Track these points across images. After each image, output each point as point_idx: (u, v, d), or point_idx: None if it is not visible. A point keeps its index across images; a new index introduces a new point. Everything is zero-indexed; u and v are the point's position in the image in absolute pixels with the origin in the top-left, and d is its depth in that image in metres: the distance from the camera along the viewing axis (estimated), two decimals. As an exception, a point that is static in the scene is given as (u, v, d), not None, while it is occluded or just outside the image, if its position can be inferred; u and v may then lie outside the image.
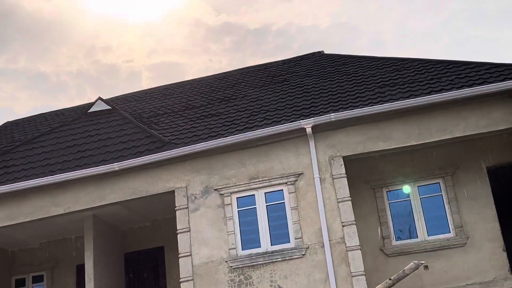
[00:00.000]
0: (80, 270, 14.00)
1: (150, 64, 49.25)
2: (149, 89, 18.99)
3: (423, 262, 5.73)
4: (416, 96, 12.24)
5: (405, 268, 5.79)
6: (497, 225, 12.28)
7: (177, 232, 12.44)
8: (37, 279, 14.72)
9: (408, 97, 12.29)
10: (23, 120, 19.08)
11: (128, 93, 19.06)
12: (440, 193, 12.82)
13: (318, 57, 17.95)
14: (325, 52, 18.43)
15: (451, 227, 12.54)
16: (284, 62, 18.47)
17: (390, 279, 5.88)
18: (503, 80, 11.82)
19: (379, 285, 6.04)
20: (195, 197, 12.62)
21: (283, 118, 13.13)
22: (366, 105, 12.54)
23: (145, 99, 17.70)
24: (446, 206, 12.67)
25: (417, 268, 5.85)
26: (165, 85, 18.73)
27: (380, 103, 12.43)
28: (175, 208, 12.60)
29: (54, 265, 14.80)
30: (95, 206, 13.02)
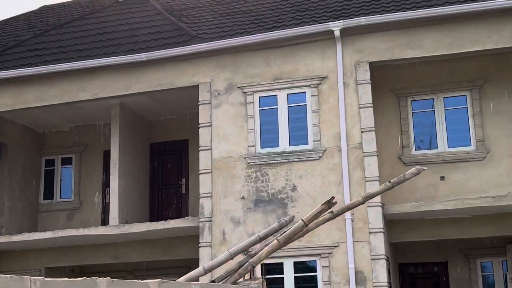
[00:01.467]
0: (107, 156, 14.54)
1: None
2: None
3: (425, 168, 5.79)
4: (451, 4, 11.80)
5: (406, 173, 5.87)
6: (519, 142, 12.15)
7: (199, 126, 12.72)
8: (66, 161, 15.38)
9: (442, 5, 11.87)
10: (58, 5, 19.20)
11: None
12: (466, 106, 12.66)
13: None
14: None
15: (472, 140, 12.46)
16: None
17: (389, 181, 5.95)
18: (545, -8, 11.25)
19: (379, 187, 6.12)
20: (218, 93, 12.76)
21: (312, 18, 12.89)
22: (398, 10, 12.18)
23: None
24: (470, 120, 12.54)
25: (418, 174, 5.91)
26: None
27: (413, 9, 12.05)
28: (198, 103, 12.80)
29: (83, 149, 15.39)
30: (121, 94, 13.32)
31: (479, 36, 11.62)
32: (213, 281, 5.34)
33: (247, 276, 5.69)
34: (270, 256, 11.71)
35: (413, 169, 6.11)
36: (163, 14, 14.09)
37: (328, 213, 5.90)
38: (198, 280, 5.19)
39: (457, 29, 11.75)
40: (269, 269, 11.93)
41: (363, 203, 6.06)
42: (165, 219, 13.29)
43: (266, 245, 5.77)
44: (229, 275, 5.48)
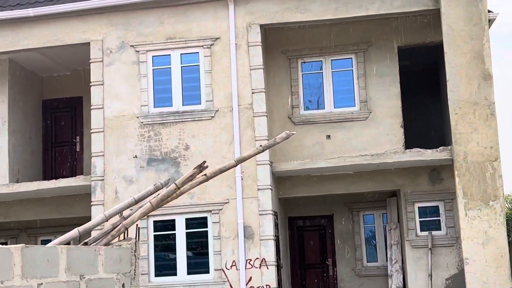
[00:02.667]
0: (-3, 113, 14.13)
1: None
2: None
3: (294, 132, 6.18)
4: (338, -30, 12.24)
5: (276, 137, 6.24)
6: (399, 103, 12.97)
7: (90, 84, 12.64)
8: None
9: None
10: None
11: None
12: (351, 68, 13.29)
13: None
14: None
15: (356, 101, 13.16)
16: None
17: (260, 145, 6.32)
18: (423, -38, 11.90)
19: (250, 150, 6.50)
20: (111, 52, 12.69)
21: (206, -21, 12.96)
22: (289, -26, 12.49)
23: None
24: (355, 81, 13.21)
25: (288, 138, 6.28)
26: None
27: (302, -27, 12.40)
28: (90, 61, 12.70)
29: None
30: (9, 50, 12.95)
31: (362, 2, 12.17)
32: (86, 243, 5.56)
33: (121, 237, 5.95)
34: (161, 213, 12.00)
35: (283, 134, 6.52)
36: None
37: (202, 175, 6.22)
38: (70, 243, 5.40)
39: None
40: (161, 225, 12.27)
41: (235, 165, 6.42)
42: (59, 178, 13.25)
43: (141, 207, 6.03)
44: (102, 236, 5.72)
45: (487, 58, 11.45)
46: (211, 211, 12.07)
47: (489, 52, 11.48)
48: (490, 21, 12.33)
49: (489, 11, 12.21)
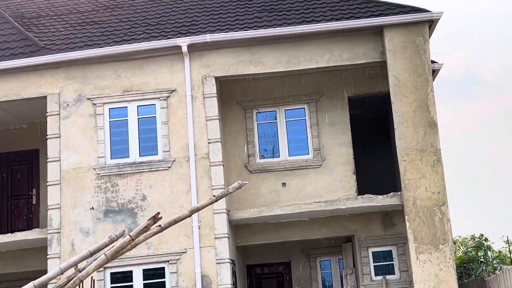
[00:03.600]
0: (-49, 167, 14.03)
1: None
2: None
3: (246, 182, 6.42)
4: (289, 24, 12.80)
5: (229, 187, 6.49)
6: (351, 151, 13.41)
7: (47, 137, 12.73)
8: None
9: (281, 25, 12.84)
10: None
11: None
12: (304, 118, 13.73)
13: (212, -28, 17.95)
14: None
15: (310, 149, 13.55)
16: (178, -27, 18.32)
17: (214, 195, 6.54)
18: (369, 17, 12.56)
19: (204, 200, 6.70)
20: (67, 105, 12.84)
21: (161, 33, 13.37)
22: (242, 29, 12.99)
23: (31, -3, 17.19)
24: (308, 130, 13.62)
25: (240, 187, 6.51)
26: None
27: (254, 28, 12.92)
28: (46, 114, 12.81)
29: None
30: (-36, 105, 12.98)
31: (313, 55, 12.70)
32: (40, 297, 5.63)
33: (76, 290, 6.04)
34: (118, 265, 11.99)
35: (235, 184, 6.77)
36: (11, 23, 13.88)
37: (156, 227, 6.39)
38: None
39: (294, 48, 12.75)
40: (118, 277, 12.24)
41: (189, 216, 6.62)
42: (14, 231, 13.13)
43: (96, 259, 6.15)
44: (57, 289, 5.81)
45: (431, 107, 12.03)
46: (168, 261, 12.12)
47: (434, 102, 12.07)
48: (434, 72, 13.01)
49: (433, 62, 12.91)
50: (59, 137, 12.68)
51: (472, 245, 23.23)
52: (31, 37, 13.37)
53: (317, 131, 13.54)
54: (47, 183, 12.58)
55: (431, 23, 12.38)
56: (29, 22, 14.89)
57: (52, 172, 12.53)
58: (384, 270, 13.01)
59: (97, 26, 14.23)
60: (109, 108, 12.87)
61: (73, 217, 12.30)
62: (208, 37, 12.69)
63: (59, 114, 12.77)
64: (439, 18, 12.24)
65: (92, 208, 12.32)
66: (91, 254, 6.29)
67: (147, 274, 12.17)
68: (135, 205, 12.40)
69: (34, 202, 14.62)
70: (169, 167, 12.55)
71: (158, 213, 6.37)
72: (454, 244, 12.83)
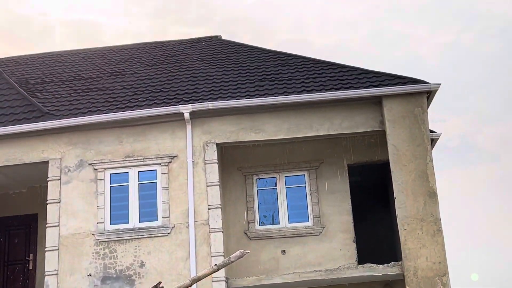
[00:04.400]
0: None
1: (66, 20, 47.81)
2: (42, 53, 18.82)
3: (248, 251, 6.42)
4: (289, 93, 13.04)
5: (231, 256, 6.48)
6: (350, 219, 13.39)
7: (47, 202, 12.72)
8: None
9: (282, 94, 13.07)
10: None
11: (22, 55, 18.80)
12: (304, 185, 13.78)
13: (214, 42, 18.45)
14: (223, 38, 18.96)
15: (310, 216, 13.53)
16: (181, 42, 18.83)
17: (215, 265, 6.54)
18: (368, 87, 12.81)
19: (205, 270, 6.69)
20: (69, 170, 12.91)
21: (164, 100, 13.59)
22: (243, 97, 13.22)
23: (37, 63, 17.57)
24: (308, 197, 13.64)
25: (242, 257, 6.53)
26: (59, 51, 18.63)
27: (256, 96, 13.14)
28: (48, 179, 12.85)
29: None
30: (-35, 169, 13.03)
31: (313, 123, 12.87)
32: None
33: None
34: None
35: (237, 253, 6.76)
36: (16, 89, 14.13)
37: (156, 297, 6.34)
38: None
39: (295, 116, 12.94)
40: None
41: (190, 285, 6.59)
42: (9, 297, 12.94)
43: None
44: None
45: (431, 177, 12.10)
46: (166, 330, 11.88)
47: (433, 171, 12.15)
48: (433, 141, 13.15)
49: (431, 131, 13.07)
50: (59, 202, 12.68)
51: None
52: (35, 103, 13.57)
53: (317, 198, 13.56)
54: (45, 249, 12.48)
55: (429, 94, 12.62)
56: (33, 88, 15.16)
57: (50, 237, 12.47)
58: None
59: (100, 92, 14.48)
60: (110, 174, 12.93)
61: (70, 284, 12.15)
62: (211, 105, 12.90)
63: (60, 179, 12.82)
64: (437, 89, 12.48)
65: (90, 275, 12.18)
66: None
67: None
68: (133, 272, 12.27)
69: (30, 267, 14.45)
70: (168, 233, 12.50)
71: (160, 282, 6.33)
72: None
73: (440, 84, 12.42)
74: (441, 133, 13.94)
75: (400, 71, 13.30)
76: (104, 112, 13.19)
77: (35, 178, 14.09)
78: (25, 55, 18.84)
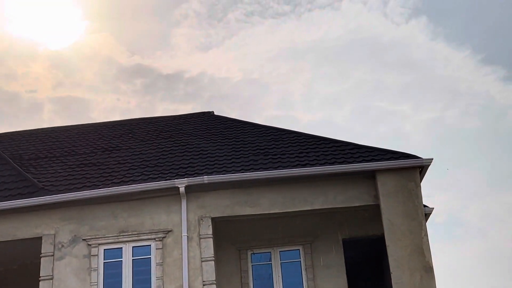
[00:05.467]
0: None
1: (55, 97, 48.30)
2: (36, 129, 18.96)
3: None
4: (284, 168, 13.18)
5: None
6: (346, 294, 13.26)
7: (40, 279, 12.52)
8: None
9: (276, 168, 13.22)
10: None
11: (15, 131, 18.93)
12: (299, 260, 13.71)
13: (208, 117, 18.76)
14: (215, 113, 19.29)
15: (305, 292, 13.39)
16: (174, 117, 19.11)
17: None
18: (361, 161, 13.01)
19: None
20: (62, 246, 12.78)
21: (159, 175, 13.66)
22: (238, 171, 13.34)
23: (30, 139, 17.68)
24: (303, 272, 13.55)
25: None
26: (52, 127, 18.81)
27: (250, 170, 13.27)
28: (40, 255, 12.71)
29: None
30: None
31: (308, 197, 12.96)
32: None
33: None
34: None
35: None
36: (10, 164, 14.17)
37: None
38: None
39: (289, 190, 13.04)
40: None
41: None
42: None
43: None
44: None
45: (427, 252, 12.12)
46: None
47: (428, 246, 12.17)
48: (427, 215, 13.24)
49: (425, 206, 13.17)
50: (51, 278, 12.50)
51: None
52: (29, 178, 13.59)
53: (312, 273, 13.46)
54: (36, 328, 12.18)
55: (422, 169, 12.81)
56: (28, 163, 15.21)
57: (41, 315, 12.19)
58: None
59: (95, 167, 14.54)
60: (104, 249, 12.81)
61: None
62: (206, 179, 12.98)
63: (53, 255, 12.68)
64: (429, 164, 12.70)
65: None
66: None
67: None
68: None
69: None
70: (162, 310, 12.27)
71: None
72: None
73: (432, 159, 12.66)
74: (433, 208, 14.01)
75: (386, 147, 13.50)
76: (99, 187, 13.22)
77: (26, 254, 13.91)
78: (19, 131, 18.96)
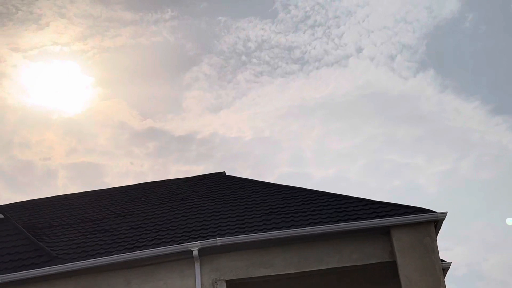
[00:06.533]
0: None
1: (69, 163, 48.73)
2: (48, 197, 19.06)
3: None
4: (297, 226, 13.08)
5: None
6: None
7: None
8: None
9: (289, 227, 13.12)
10: None
11: (28, 200, 19.03)
12: (315, 321, 13.41)
13: (219, 178, 18.78)
14: (226, 173, 19.33)
15: None
16: (186, 180, 19.16)
17: None
18: (375, 217, 12.89)
19: None
20: (75, 315, 12.63)
21: (172, 239, 13.59)
22: (251, 231, 13.25)
23: (43, 207, 17.75)
24: (322, 334, 13.23)
25: None
26: (65, 195, 18.90)
27: (264, 230, 13.17)
28: (54, 325, 12.53)
29: None
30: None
31: (323, 256, 12.79)
32: None
33: None
34: None
35: None
36: (24, 234, 14.18)
37: None
38: None
39: (304, 249, 12.88)
40: None
41: None
42: None
43: None
44: None
45: (447, 308, 11.84)
46: None
47: (448, 301, 11.91)
48: (445, 270, 12.99)
49: (442, 261, 12.94)
50: None
51: None
52: (43, 247, 13.56)
53: (330, 334, 13.14)
54: None
55: (436, 223, 12.66)
56: (41, 232, 15.20)
57: None
58: None
59: (108, 234, 14.51)
60: (118, 318, 12.61)
61: None
62: (219, 241, 12.89)
63: (67, 325, 12.49)
64: (444, 218, 12.55)
65: None
66: None
67: None
68: None
69: None
70: None
71: None
72: None
73: (447, 212, 12.51)
74: (451, 262, 13.77)
75: (400, 201, 13.45)
76: (112, 253, 13.14)
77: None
78: (32, 200, 19.06)
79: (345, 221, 13.00)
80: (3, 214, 15.14)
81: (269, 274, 12.89)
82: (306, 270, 12.81)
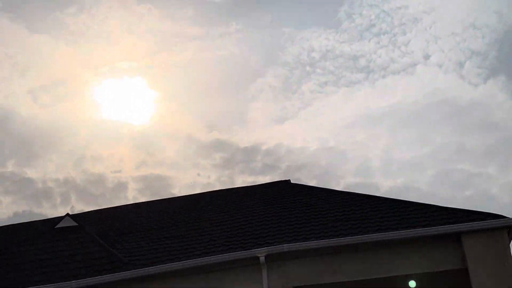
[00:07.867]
0: None
1: (138, 176, 50.12)
2: (120, 206, 19.66)
3: None
4: (364, 233, 12.95)
5: None
6: None
7: None
8: None
9: (356, 234, 12.99)
10: (-2, 228, 19.50)
11: (100, 209, 19.69)
12: (386, 330, 13.17)
13: (285, 186, 18.82)
14: (291, 182, 19.36)
15: None
16: (252, 188, 19.32)
17: None
18: (445, 224, 12.59)
19: None
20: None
21: (240, 245, 13.72)
22: (318, 238, 13.20)
23: (115, 216, 18.30)
24: None
25: None
26: (135, 203, 19.44)
27: (330, 237, 13.10)
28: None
29: None
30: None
31: (392, 263, 12.57)
32: None
33: None
34: None
35: None
36: (97, 241, 14.66)
37: None
38: None
39: (372, 256, 12.72)
40: None
41: None
42: None
43: None
44: None
45: (522, 316, 11.41)
46: None
47: (524, 310, 11.48)
48: (519, 278, 12.51)
49: (516, 268, 12.49)
50: None
51: None
52: (115, 254, 13.98)
53: None
54: None
55: (510, 229, 12.25)
56: (113, 239, 15.68)
57: None
58: None
59: (177, 240, 14.80)
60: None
61: None
62: (286, 247, 12.91)
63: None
64: (517, 224, 12.14)
65: None
66: None
67: None
68: None
69: None
70: None
71: None
72: None
73: (521, 217, 12.09)
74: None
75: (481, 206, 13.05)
76: (181, 259, 13.39)
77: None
78: (104, 209, 19.72)
79: (414, 227, 12.76)
80: (77, 222, 15.71)
81: (337, 281, 12.79)
82: (374, 277, 12.65)
